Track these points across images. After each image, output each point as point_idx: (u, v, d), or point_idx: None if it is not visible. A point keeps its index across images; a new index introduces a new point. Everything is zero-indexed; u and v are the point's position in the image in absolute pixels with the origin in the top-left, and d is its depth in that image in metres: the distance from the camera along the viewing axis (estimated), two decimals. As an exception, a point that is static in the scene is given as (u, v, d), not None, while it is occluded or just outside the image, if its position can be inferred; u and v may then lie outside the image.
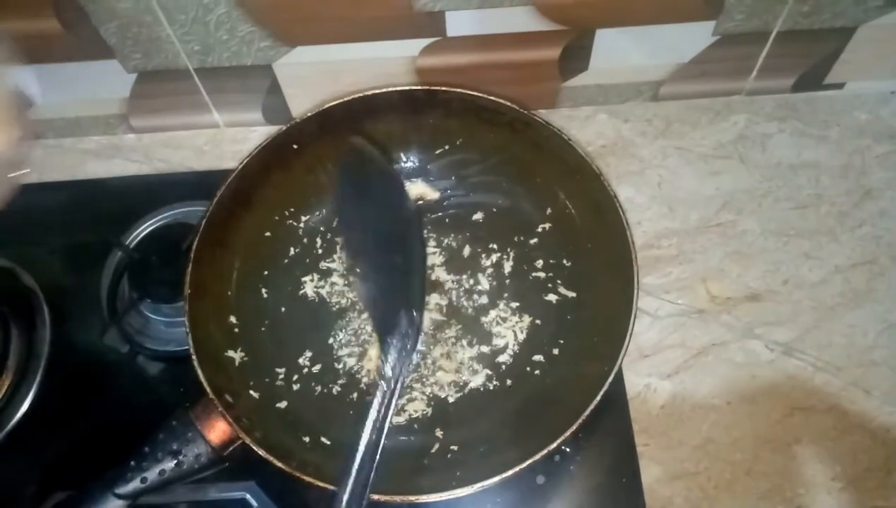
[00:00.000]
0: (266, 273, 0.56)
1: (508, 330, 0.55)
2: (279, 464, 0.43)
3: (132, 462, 0.43)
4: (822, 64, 0.64)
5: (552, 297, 0.56)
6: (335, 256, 0.58)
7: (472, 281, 0.57)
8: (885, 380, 0.56)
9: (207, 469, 0.45)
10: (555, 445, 0.44)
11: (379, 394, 0.45)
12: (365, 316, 0.56)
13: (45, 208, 0.65)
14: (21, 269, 0.60)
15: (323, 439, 0.50)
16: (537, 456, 0.44)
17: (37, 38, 0.57)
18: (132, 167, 0.67)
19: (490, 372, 0.54)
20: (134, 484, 0.43)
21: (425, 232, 0.59)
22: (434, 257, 0.58)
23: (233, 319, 0.53)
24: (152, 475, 0.43)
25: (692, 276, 0.60)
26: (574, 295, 0.55)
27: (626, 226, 0.50)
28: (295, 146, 0.56)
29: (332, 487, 0.42)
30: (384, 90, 0.55)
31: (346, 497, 0.42)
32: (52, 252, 0.63)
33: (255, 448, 0.44)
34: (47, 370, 0.57)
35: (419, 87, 0.55)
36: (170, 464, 0.43)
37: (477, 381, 0.54)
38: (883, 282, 0.59)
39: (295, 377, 0.53)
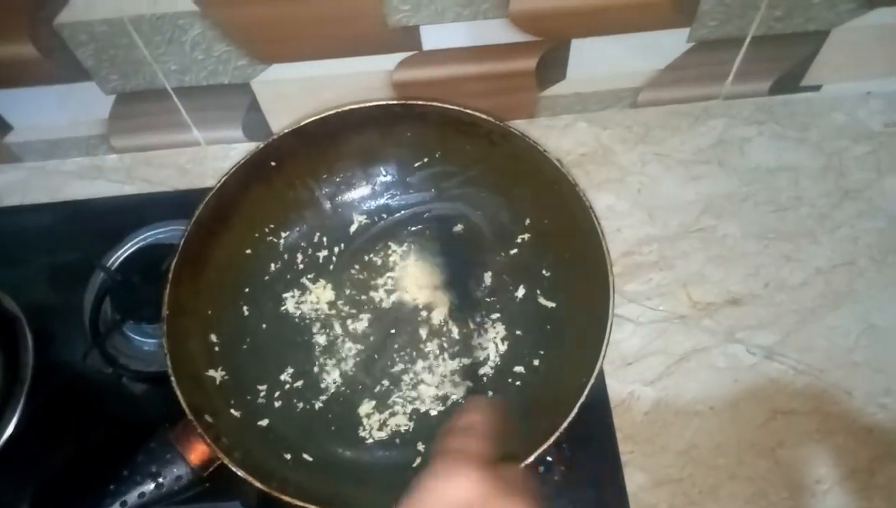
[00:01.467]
0: (247, 290, 0.56)
1: (489, 342, 0.55)
2: (259, 485, 0.43)
3: (111, 487, 0.43)
4: (798, 67, 0.65)
5: (532, 308, 0.56)
6: (315, 272, 0.58)
7: (452, 294, 0.57)
8: (866, 381, 0.56)
9: (188, 491, 0.45)
10: (536, 455, 0.45)
11: None
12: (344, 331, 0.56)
13: (27, 230, 0.65)
14: (3, 292, 0.60)
15: (305, 455, 0.50)
16: (520, 467, 0.44)
17: (13, 63, 0.57)
18: (114, 187, 0.67)
19: (472, 385, 0.54)
20: (114, 508, 0.43)
21: (406, 244, 0.60)
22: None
23: (213, 338, 0.53)
24: (132, 498, 0.43)
25: (673, 282, 0.60)
26: (553, 305, 0.55)
27: (601, 236, 0.50)
28: (273, 163, 0.56)
29: (310, 506, 0.43)
30: (361, 105, 0.55)
31: None
32: (35, 274, 0.63)
33: (234, 468, 0.44)
34: (30, 393, 0.56)
35: (396, 102, 0.56)
36: (149, 486, 0.43)
37: (459, 394, 0.54)
38: (862, 283, 0.60)
39: (276, 394, 0.53)
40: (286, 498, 0.43)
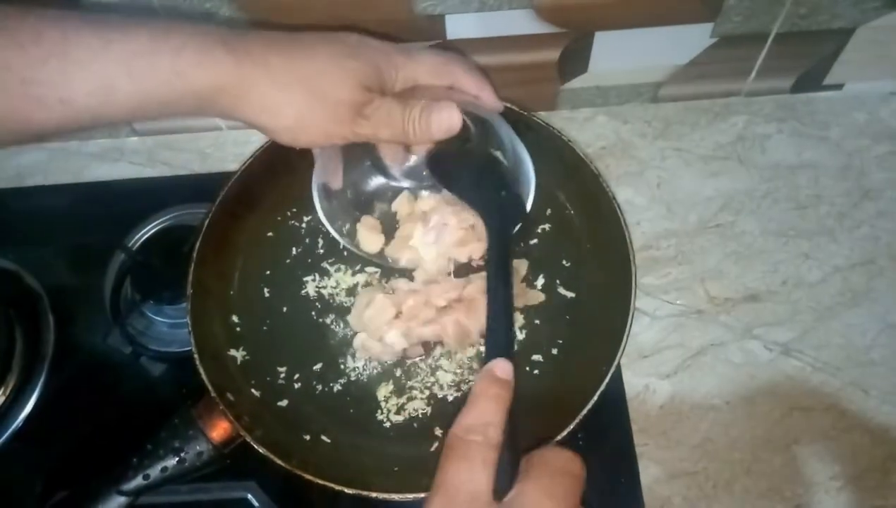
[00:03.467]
0: (268, 272, 0.56)
1: (508, 330, 0.56)
2: (280, 462, 0.44)
3: (135, 460, 0.44)
4: (820, 65, 0.65)
5: (551, 298, 0.56)
6: (336, 257, 0.59)
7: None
8: (883, 380, 0.56)
9: (209, 467, 0.45)
10: (554, 443, 0.45)
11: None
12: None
13: (49, 211, 0.66)
14: (26, 271, 0.61)
15: (323, 437, 0.50)
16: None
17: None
18: (135, 170, 0.68)
19: (489, 372, 0.54)
20: (137, 481, 0.44)
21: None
22: (434, 258, 0.58)
23: (234, 318, 0.53)
24: (155, 472, 0.44)
25: (691, 277, 0.61)
26: (573, 295, 0.55)
27: (624, 227, 0.50)
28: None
29: (331, 485, 0.43)
30: (385, 92, 0.55)
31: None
32: (57, 254, 0.63)
33: (255, 446, 0.44)
34: (51, 371, 0.57)
35: (419, 89, 0.56)
36: (172, 461, 0.44)
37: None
38: (881, 282, 0.59)
39: (296, 376, 0.54)
40: (307, 476, 0.43)
